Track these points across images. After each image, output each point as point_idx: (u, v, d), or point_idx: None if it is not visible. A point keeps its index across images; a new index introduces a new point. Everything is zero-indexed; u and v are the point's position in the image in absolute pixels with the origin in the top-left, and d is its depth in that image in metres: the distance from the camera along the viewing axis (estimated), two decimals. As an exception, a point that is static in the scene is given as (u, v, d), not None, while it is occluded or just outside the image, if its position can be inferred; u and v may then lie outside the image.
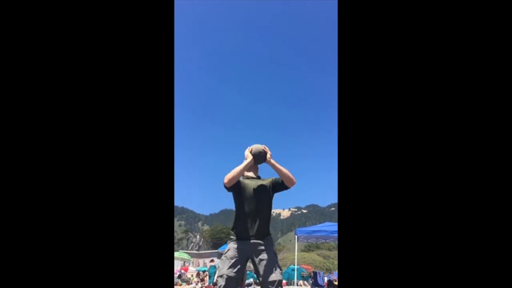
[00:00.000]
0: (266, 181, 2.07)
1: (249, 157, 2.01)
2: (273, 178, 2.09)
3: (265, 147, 2.02)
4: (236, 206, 1.99)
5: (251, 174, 2.10)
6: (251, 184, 2.01)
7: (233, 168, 1.96)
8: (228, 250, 1.85)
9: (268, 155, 2.00)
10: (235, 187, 1.96)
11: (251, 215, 1.92)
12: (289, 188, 2.03)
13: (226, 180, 1.92)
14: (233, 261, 1.78)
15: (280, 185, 2.02)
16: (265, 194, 1.99)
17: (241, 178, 2.02)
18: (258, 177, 2.11)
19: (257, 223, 1.90)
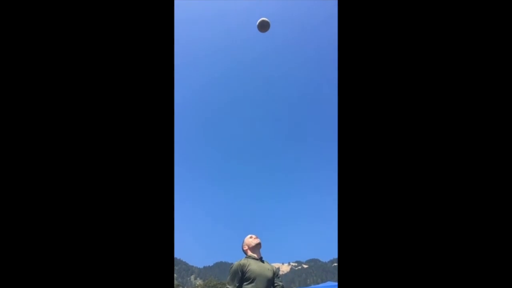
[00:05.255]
0: (270, 266, 2.12)
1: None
2: (274, 268, 2.14)
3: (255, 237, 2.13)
4: (240, 285, 1.95)
5: (254, 255, 2.11)
6: (258, 265, 2.03)
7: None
8: None
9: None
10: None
11: None
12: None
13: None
14: None
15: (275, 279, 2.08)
16: (271, 280, 2.02)
17: (245, 259, 2.05)
18: (261, 259, 2.13)
19: None
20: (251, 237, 2.20)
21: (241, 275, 1.95)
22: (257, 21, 2.75)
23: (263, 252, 2.18)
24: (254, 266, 1.98)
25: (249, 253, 2.12)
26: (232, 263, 2.04)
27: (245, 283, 1.92)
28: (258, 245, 2.15)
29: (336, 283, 7.77)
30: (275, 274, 2.09)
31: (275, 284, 2.07)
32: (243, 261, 2.01)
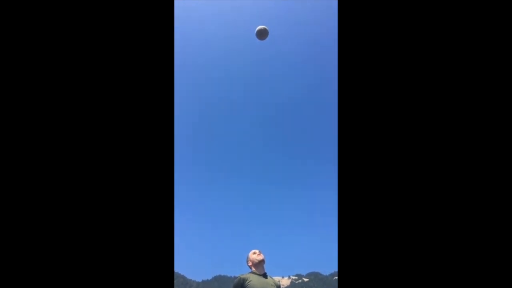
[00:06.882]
0: (273, 281, 2.15)
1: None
2: (278, 283, 2.20)
3: (259, 253, 2.23)
4: None
5: (257, 271, 2.17)
6: (259, 281, 2.06)
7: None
8: None
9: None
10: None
11: None
12: None
13: None
14: None
15: None
16: None
17: (248, 274, 2.12)
18: (264, 274, 2.19)
19: None
20: (254, 253, 2.28)
21: None
22: (256, 25, 3.08)
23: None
24: (255, 281, 2.04)
25: (253, 269, 2.20)
26: (231, 277, 2.17)
27: None
28: (261, 262, 2.22)
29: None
30: None
31: None
32: (245, 275, 2.08)
